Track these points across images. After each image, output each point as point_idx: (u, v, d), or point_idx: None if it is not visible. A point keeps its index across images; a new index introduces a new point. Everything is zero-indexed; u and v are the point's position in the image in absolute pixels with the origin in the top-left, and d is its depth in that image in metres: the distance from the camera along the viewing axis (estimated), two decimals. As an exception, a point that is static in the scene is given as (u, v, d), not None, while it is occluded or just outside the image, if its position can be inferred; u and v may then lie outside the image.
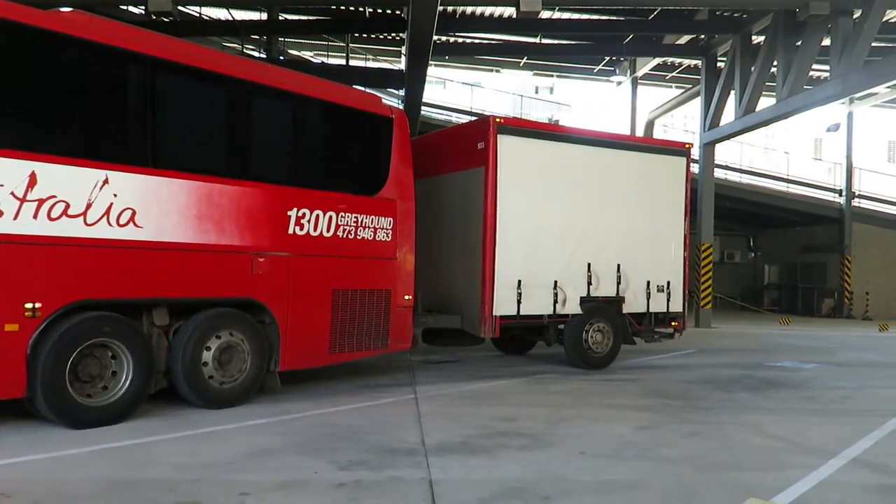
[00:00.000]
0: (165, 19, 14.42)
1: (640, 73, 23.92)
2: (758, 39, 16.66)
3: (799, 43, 14.64)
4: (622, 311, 10.26)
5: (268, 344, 7.07)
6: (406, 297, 8.44)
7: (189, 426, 5.95)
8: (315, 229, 7.42)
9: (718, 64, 18.58)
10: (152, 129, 6.21)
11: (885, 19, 13.20)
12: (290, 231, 7.20)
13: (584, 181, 9.97)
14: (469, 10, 18.06)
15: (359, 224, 7.87)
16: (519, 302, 9.34)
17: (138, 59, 6.12)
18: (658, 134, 25.57)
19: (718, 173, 27.17)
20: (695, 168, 19.04)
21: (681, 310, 10.83)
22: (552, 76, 28.12)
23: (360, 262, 7.93)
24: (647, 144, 10.93)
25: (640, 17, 18.28)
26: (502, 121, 9.37)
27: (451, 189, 9.92)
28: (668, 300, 10.66)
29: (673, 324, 10.81)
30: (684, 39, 20.02)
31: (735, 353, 12.65)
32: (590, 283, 9.93)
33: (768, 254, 30.64)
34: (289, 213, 7.18)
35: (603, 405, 7.41)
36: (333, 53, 21.96)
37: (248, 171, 6.94)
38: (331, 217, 7.56)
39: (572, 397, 7.85)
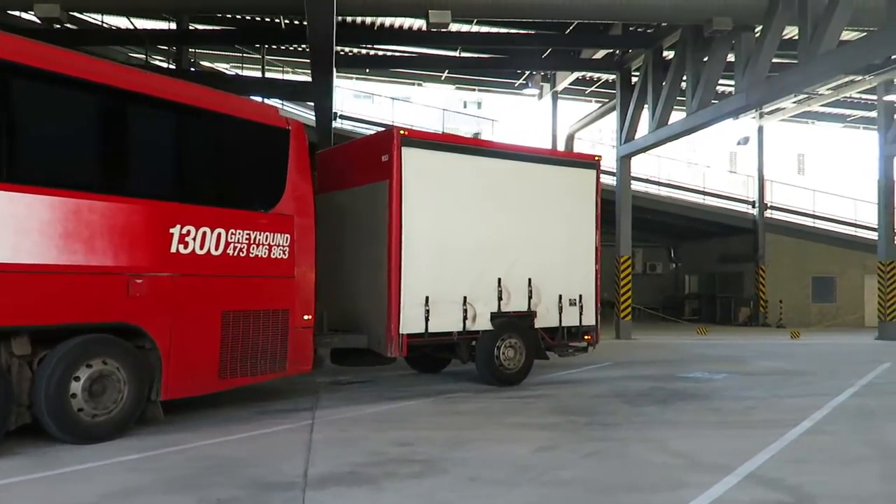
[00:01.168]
0: (58, 26, 13.69)
1: (559, 88, 24.19)
2: (669, 55, 16.98)
3: (706, 58, 14.95)
4: (534, 326, 10.11)
5: (148, 371, 6.57)
6: (305, 317, 8.04)
7: (50, 465, 5.42)
8: (202, 247, 6.96)
9: (633, 78, 18.88)
10: (6, 139, 5.67)
11: (785, 35, 13.58)
12: (173, 250, 6.72)
13: (493, 195, 9.80)
14: (381, 21, 17.86)
15: (252, 241, 7.44)
16: (427, 319, 9.06)
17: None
18: (583, 148, 25.89)
19: (639, 186, 27.81)
20: (612, 181, 19.34)
21: (594, 323, 10.76)
22: (474, 90, 28.16)
23: (254, 282, 7.50)
24: (557, 157, 10.89)
25: (557, 32, 18.43)
26: (406, 133, 9.12)
27: (357, 203, 9.60)
28: (581, 313, 10.57)
29: (586, 337, 10.73)
30: (600, 54, 20.30)
31: (650, 365, 12.69)
32: (500, 299, 9.74)
33: (688, 264, 31.38)
34: (171, 230, 6.70)
35: (507, 425, 7.18)
36: (249, 66, 21.39)
37: (122, 187, 6.45)
38: (219, 234, 7.12)
39: (478, 417, 7.61)
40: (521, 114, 42.86)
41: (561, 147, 24.66)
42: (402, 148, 8.95)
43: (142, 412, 6.56)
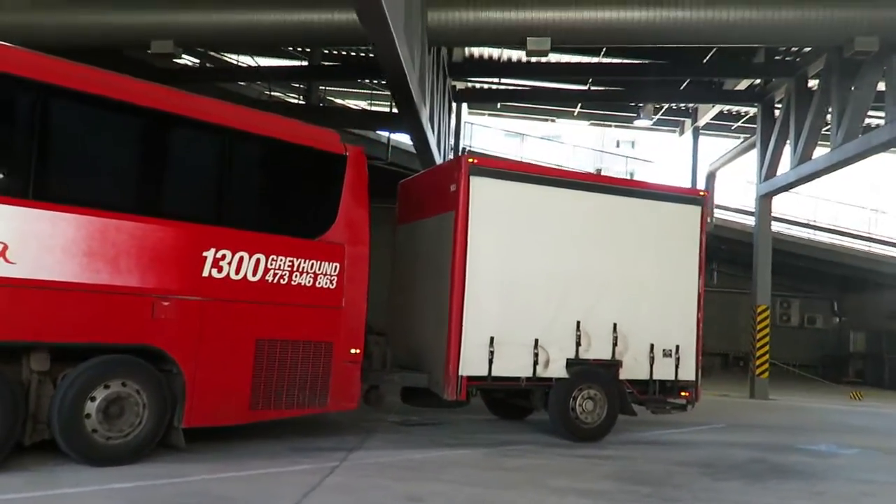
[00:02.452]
0: (191, 64, 14.62)
1: (701, 123, 22.64)
2: (814, 84, 15.25)
3: (854, 87, 13.20)
4: (619, 377, 9.08)
5: (171, 397, 6.42)
6: (353, 351, 7.64)
7: (45, 485, 5.34)
8: (237, 273, 6.79)
9: (776, 111, 17.16)
10: (36, 158, 5.79)
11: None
12: (206, 273, 6.59)
13: (574, 230, 8.99)
14: (496, 53, 17.55)
15: (295, 269, 7.19)
16: (490, 361, 8.37)
17: (22, 84, 5.74)
18: (724, 187, 24.04)
19: (794, 231, 25.35)
20: (750, 221, 17.62)
21: (693, 378, 9.52)
22: (610, 126, 27.06)
23: (295, 311, 7.23)
24: (654, 191, 9.83)
25: (694, 60, 17.16)
26: (476, 161, 8.59)
27: (427, 234, 9.17)
28: (677, 366, 9.38)
29: (683, 394, 9.51)
30: (743, 85, 18.72)
31: (769, 431, 11.08)
32: (578, 344, 8.83)
33: (855, 319, 27.96)
34: (205, 253, 6.58)
35: (549, 488, 6.30)
36: (378, 102, 21.81)
37: (152, 207, 6.43)
38: (258, 260, 6.92)
39: (522, 475, 6.78)
40: (670, 151, 41.03)
41: (701, 186, 22.98)
42: (471, 177, 8.43)
43: (164, 437, 6.42)
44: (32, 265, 5.65)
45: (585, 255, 9.01)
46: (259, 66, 17.60)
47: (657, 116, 23.33)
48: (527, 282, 8.66)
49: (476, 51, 18.70)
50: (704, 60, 17.30)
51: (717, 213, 23.23)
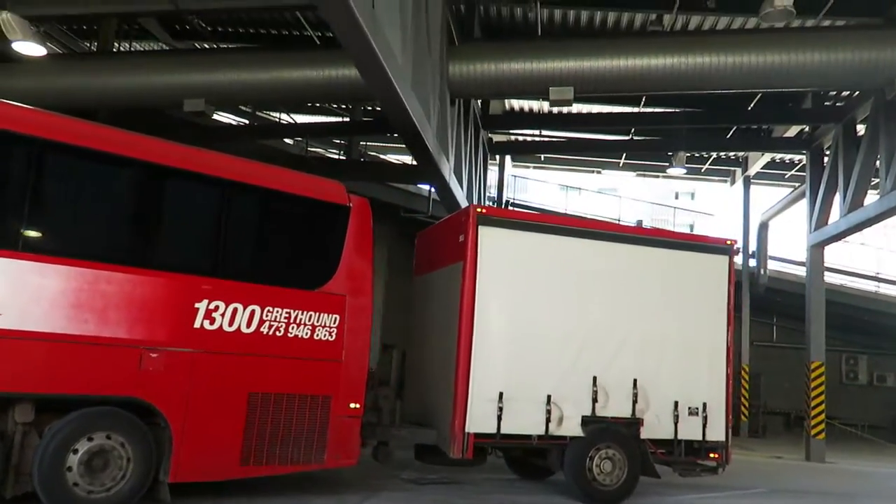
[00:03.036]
0: (236, 123, 15.05)
1: (752, 172, 21.96)
2: (862, 129, 14.60)
3: (902, 129, 12.57)
4: (640, 437, 8.57)
5: (157, 450, 6.31)
6: (353, 406, 7.43)
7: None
8: (231, 324, 6.73)
9: (825, 158, 16.48)
10: (27, 210, 5.90)
11: None
12: (197, 325, 6.55)
13: (590, 281, 8.66)
14: (528, 105, 17.51)
15: (292, 320, 7.09)
16: (499, 418, 8.02)
17: (13, 138, 5.90)
18: (776, 237, 23.13)
19: (859, 283, 24.14)
20: (798, 271, 16.81)
21: (723, 438, 8.90)
22: (658, 177, 26.51)
23: (291, 364, 7.10)
24: (676, 241, 9.44)
25: (739, 107, 16.72)
26: (485, 210, 8.42)
27: (437, 287, 9.00)
28: (705, 426, 8.80)
29: (712, 455, 8.89)
30: (793, 132, 18.10)
31: (816, 498, 10.25)
32: (595, 400, 8.40)
33: (930, 377, 26.15)
34: (197, 305, 6.56)
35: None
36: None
37: (141, 259, 6.44)
38: (253, 311, 6.85)
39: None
40: (728, 203, 39.95)
41: (753, 237, 22.20)
42: (479, 227, 8.25)
43: (150, 491, 6.30)
44: (18, 316, 5.70)
45: (603, 308, 8.64)
46: (298, 123, 18.02)
47: (706, 166, 22.80)
48: (539, 335, 8.35)
49: (515, 103, 18.77)
50: (749, 107, 16.89)
51: (772, 265, 22.32)
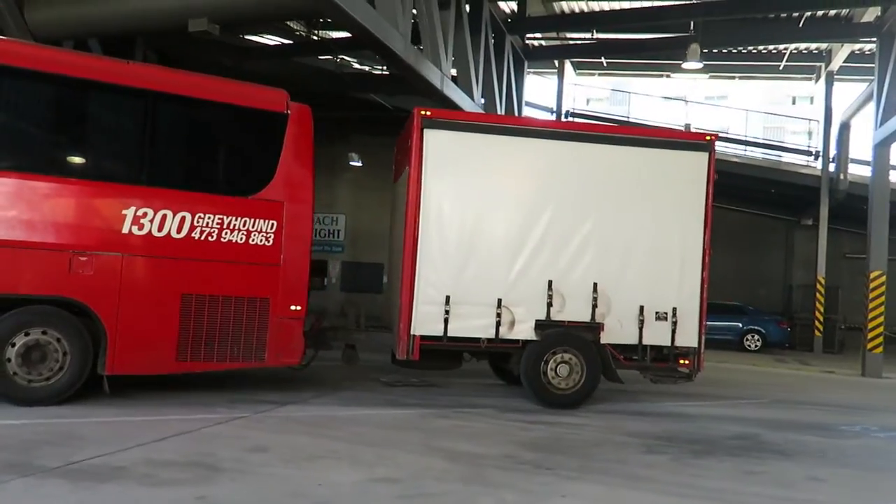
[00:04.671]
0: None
1: (834, 67, 19.99)
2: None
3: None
4: (600, 341, 8.38)
5: (93, 346, 6.87)
6: (293, 308, 7.69)
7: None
8: (160, 230, 7.08)
9: (896, 44, 14.74)
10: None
11: None
12: (125, 230, 6.94)
13: (545, 183, 8.38)
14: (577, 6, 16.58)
15: (225, 226, 7.37)
16: (446, 321, 8.07)
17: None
18: (857, 137, 21.09)
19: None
20: (866, 171, 15.40)
21: (694, 344, 8.54)
22: (734, 78, 24.57)
23: (225, 267, 7.41)
24: (645, 137, 8.81)
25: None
26: (430, 113, 8.23)
27: (398, 193, 9.02)
28: (674, 331, 8.46)
29: (682, 361, 8.58)
30: (871, 16, 16.19)
31: (819, 410, 9.71)
32: (550, 305, 8.25)
33: None
34: (124, 211, 6.94)
35: (428, 449, 5.95)
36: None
37: (70, 169, 6.87)
38: (183, 217, 7.17)
39: (421, 436, 6.42)
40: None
41: (834, 136, 20.40)
42: (425, 130, 8.13)
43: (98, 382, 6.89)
44: (-52, 224, 6.28)
45: (560, 211, 8.35)
46: (332, 39, 18.04)
47: (784, 63, 20.94)
48: (489, 239, 8.23)
49: (565, 4, 17.87)
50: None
51: (852, 169, 20.50)
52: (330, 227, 23.47)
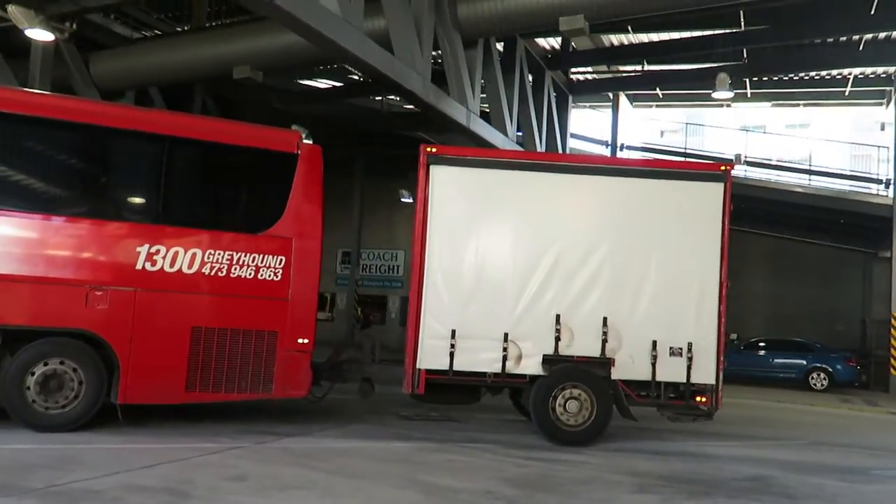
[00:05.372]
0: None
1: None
2: None
3: None
4: (611, 377, 8.21)
5: (107, 376, 7.27)
6: (301, 341, 7.93)
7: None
8: (172, 266, 7.48)
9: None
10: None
11: None
12: (139, 266, 7.37)
13: (552, 217, 8.37)
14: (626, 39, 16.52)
15: (234, 262, 7.71)
16: (452, 355, 8.11)
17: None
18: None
19: None
20: None
21: (711, 381, 8.26)
22: (798, 105, 23.71)
23: (234, 301, 7.74)
24: (656, 170, 8.65)
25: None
26: (435, 150, 8.39)
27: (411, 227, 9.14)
28: (689, 367, 8.21)
29: (699, 399, 8.29)
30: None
31: (863, 454, 9.09)
32: (558, 339, 8.17)
33: None
34: (138, 249, 7.38)
35: (410, 482, 6.00)
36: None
37: (87, 210, 7.36)
38: (194, 254, 7.55)
39: (408, 469, 6.45)
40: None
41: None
42: (431, 167, 8.30)
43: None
44: (-24, 260, 6.85)
45: (568, 244, 8.31)
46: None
47: (849, 88, 20.15)
48: (496, 273, 8.27)
49: (614, 38, 17.84)
50: (872, 11, 14.70)
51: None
52: (389, 263, 23.90)
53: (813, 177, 22.83)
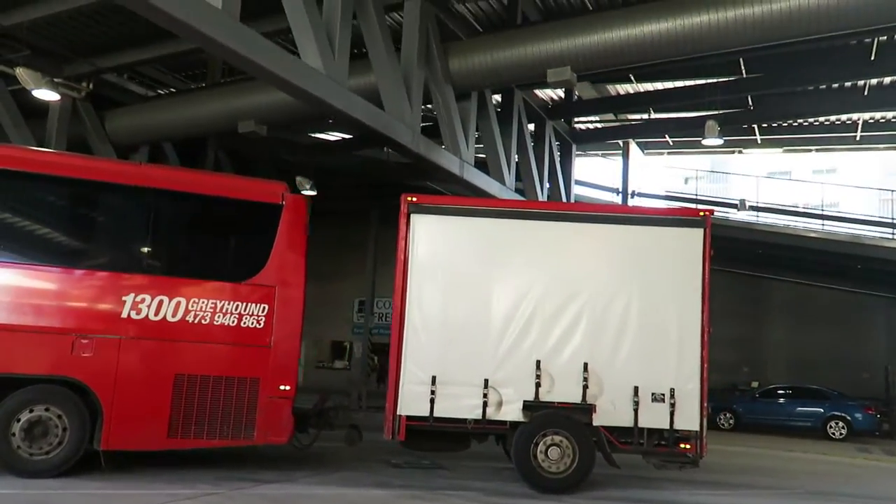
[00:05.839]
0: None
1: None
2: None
3: None
4: (592, 423, 8.16)
5: (91, 422, 7.44)
6: (283, 388, 8.05)
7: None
8: (156, 314, 7.70)
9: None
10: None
11: None
12: (124, 315, 7.61)
13: (530, 264, 8.48)
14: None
15: (218, 310, 7.91)
16: (432, 402, 8.15)
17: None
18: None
19: None
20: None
21: (695, 427, 8.16)
22: (811, 150, 23.59)
23: (217, 349, 7.92)
24: (633, 216, 8.75)
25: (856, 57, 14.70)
26: (415, 199, 8.58)
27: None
28: (673, 413, 8.14)
29: (683, 446, 8.19)
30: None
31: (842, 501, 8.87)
32: (539, 385, 8.18)
33: None
34: (124, 298, 7.62)
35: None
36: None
37: (73, 260, 7.66)
38: (178, 302, 7.78)
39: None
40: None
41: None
42: (411, 216, 8.49)
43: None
44: (-35, 311, 7.14)
45: (547, 291, 8.39)
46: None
47: (859, 133, 20.06)
48: (475, 319, 8.36)
49: (621, 87, 18.10)
50: (872, 57, 14.76)
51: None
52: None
53: (829, 222, 22.58)
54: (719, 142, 16.16)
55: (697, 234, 8.49)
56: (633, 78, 17.15)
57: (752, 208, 22.78)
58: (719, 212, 24.43)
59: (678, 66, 15.10)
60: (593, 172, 25.34)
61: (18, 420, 7.22)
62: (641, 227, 8.62)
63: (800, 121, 20.03)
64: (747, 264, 23.34)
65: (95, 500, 6.49)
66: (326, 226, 18.63)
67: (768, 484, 9.86)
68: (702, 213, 8.64)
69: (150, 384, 7.65)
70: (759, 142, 21.46)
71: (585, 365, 8.21)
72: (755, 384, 22.37)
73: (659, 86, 17.87)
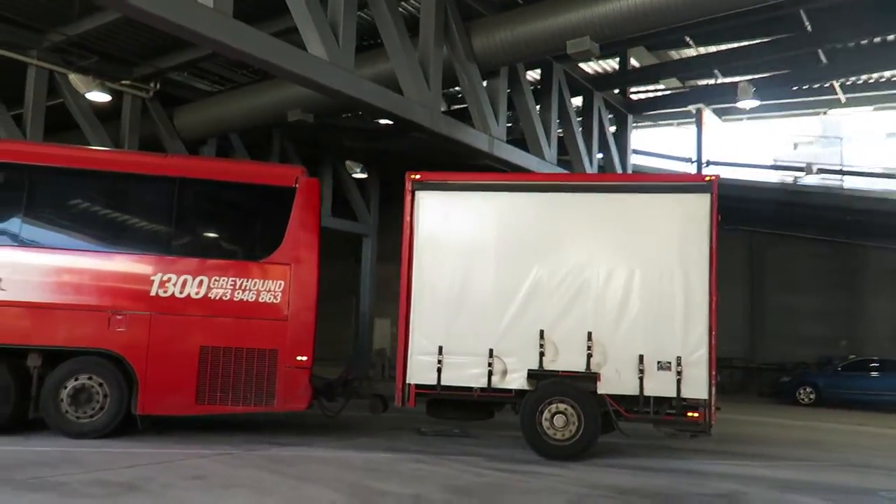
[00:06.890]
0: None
1: None
2: None
3: None
4: (597, 391, 8.24)
5: (128, 390, 8.28)
6: (300, 358, 8.61)
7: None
8: (181, 292, 8.44)
9: None
10: (22, 216, 8.33)
11: None
12: (153, 293, 8.39)
13: (534, 235, 8.59)
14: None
15: (237, 287, 8.55)
16: (439, 371, 8.48)
17: (9, 167, 8.36)
18: None
19: None
20: None
21: (704, 395, 8.07)
22: (905, 106, 21.71)
23: (238, 322, 8.55)
24: (639, 183, 8.58)
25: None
26: (420, 176, 8.87)
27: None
28: (679, 382, 8.09)
29: (690, 414, 8.12)
30: None
31: (889, 476, 8.46)
32: (543, 354, 8.34)
33: None
34: (152, 278, 8.40)
35: (352, 486, 6.43)
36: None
37: (109, 245, 8.49)
38: (201, 281, 8.48)
39: (356, 476, 6.84)
40: None
41: None
42: (416, 192, 8.80)
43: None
44: (17, 290, 8.11)
45: (550, 261, 8.49)
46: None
47: None
48: (479, 291, 8.58)
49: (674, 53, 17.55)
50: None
51: None
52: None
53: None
54: (755, 103, 15.41)
55: (704, 199, 8.32)
56: (691, 42, 16.59)
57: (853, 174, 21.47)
58: (819, 179, 23.29)
59: (731, 27, 14.52)
60: (670, 143, 24.63)
61: (65, 387, 8.15)
62: (647, 195, 8.53)
63: (886, 75, 18.68)
64: (842, 232, 22.04)
65: (117, 457, 7.25)
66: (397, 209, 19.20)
67: (799, 456, 9.54)
68: (707, 178, 8.47)
69: (178, 355, 8.40)
70: (843, 101, 20.11)
71: (589, 334, 8.28)
72: (852, 357, 21.21)
73: (723, 48, 17.19)
